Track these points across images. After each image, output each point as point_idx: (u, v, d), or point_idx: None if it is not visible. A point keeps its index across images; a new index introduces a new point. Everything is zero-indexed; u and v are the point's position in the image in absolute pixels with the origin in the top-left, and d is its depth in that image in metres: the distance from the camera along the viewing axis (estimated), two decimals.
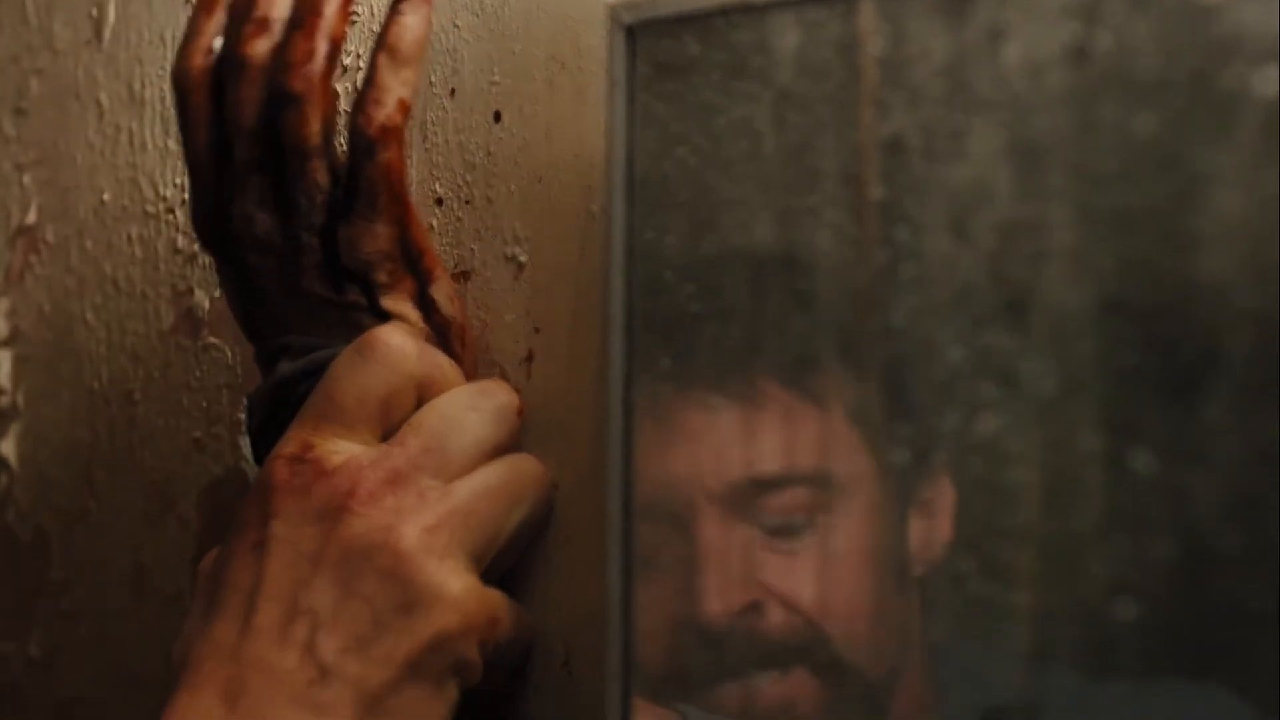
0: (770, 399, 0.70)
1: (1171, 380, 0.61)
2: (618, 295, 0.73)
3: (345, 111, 0.83)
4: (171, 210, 1.00)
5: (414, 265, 0.79)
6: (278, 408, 0.79)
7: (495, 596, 0.74)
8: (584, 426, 0.77)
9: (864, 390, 0.69)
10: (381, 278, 0.79)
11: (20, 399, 1.09)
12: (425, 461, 0.74)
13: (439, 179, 0.83)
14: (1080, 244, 0.63)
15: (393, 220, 0.78)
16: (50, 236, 1.07)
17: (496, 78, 0.82)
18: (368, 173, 0.77)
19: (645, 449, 0.72)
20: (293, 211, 0.78)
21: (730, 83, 0.71)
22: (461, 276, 0.82)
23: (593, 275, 0.77)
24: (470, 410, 0.76)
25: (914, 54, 0.66)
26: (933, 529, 0.69)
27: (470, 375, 0.79)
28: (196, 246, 0.98)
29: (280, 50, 0.78)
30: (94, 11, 1.06)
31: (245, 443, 0.94)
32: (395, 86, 0.78)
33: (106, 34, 1.05)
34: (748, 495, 0.70)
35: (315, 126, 0.78)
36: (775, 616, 0.70)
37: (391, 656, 0.71)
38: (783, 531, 0.70)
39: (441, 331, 0.79)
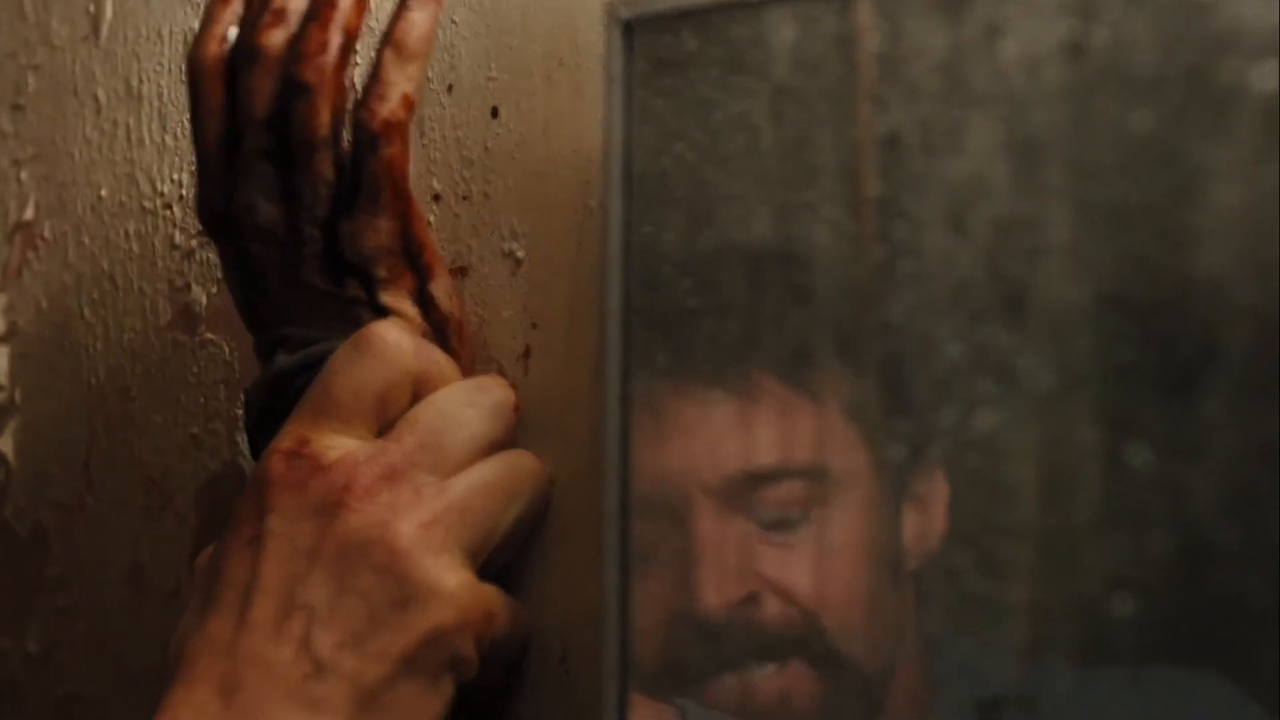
0: (767, 393, 0.70)
1: (1169, 376, 0.61)
2: (615, 291, 0.73)
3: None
4: (169, 206, 1.00)
5: (414, 261, 0.79)
6: (275, 400, 0.79)
7: (491, 592, 0.74)
8: (581, 422, 0.77)
9: (861, 386, 0.69)
10: (381, 273, 0.79)
11: (18, 395, 1.09)
12: (421, 458, 0.74)
13: (436, 175, 0.83)
14: (1078, 239, 0.63)
15: (395, 216, 0.78)
16: (47, 232, 1.07)
17: (494, 73, 0.82)
18: (370, 167, 0.78)
19: (642, 444, 0.72)
20: (297, 203, 0.78)
21: (727, 78, 0.71)
22: (459, 272, 0.82)
23: (590, 271, 0.77)
24: (467, 406, 0.76)
25: (911, 49, 0.66)
26: (927, 523, 0.69)
27: (468, 372, 0.79)
28: (194, 243, 0.98)
29: (295, 41, 0.78)
30: (91, 7, 1.05)
31: (243, 438, 0.94)
32: (400, 82, 0.78)
33: (104, 30, 1.05)
34: (744, 489, 0.70)
35: (325, 118, 0.78)
36: (772, 608, 0.70)
37: (387, 652, 0.71)
38: (778, 525, 0.70)
39: (439, 328, 0.79)
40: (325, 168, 0.78)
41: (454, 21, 0.83)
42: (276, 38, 0.79)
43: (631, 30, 0.73)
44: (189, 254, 0.99)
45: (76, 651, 1.04)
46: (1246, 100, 0.59)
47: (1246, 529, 0.60)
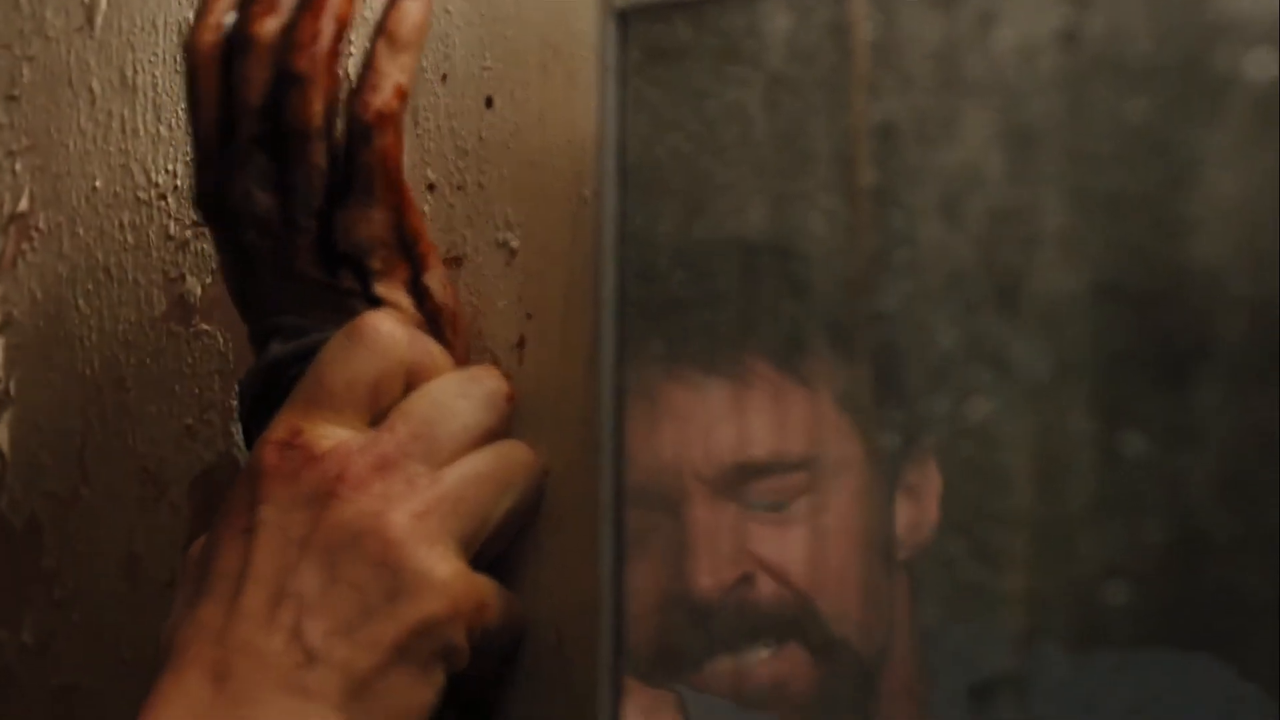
0: (761, 380, 0.70)
1: (1163, 364, 0.61)
2: (610, 280, 0.73)
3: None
4: (163, 197, 1.00)
5: (409, 252, 0.79)
6: (269, 389, 0.79)
7: (483, 582, 0.74)
8: (576, 412, 0.77)
9: (855, 374, 0.69)
10: (375, 264, 0.79)
11: (12, 386, 1.09)
12: (414, 448, 0.74)
13: (431, 164, 0.83)
14: (1072, 228, 0.63)
15: (389, 207, 0.78)
16: (42, 224, 1.07)
17: (488, 63, 0.81)
18: (364, 158, 0.78)
19: (637, 433, 0.72)
20: (291, 192, 0.78)
21: (722, 67, 0.71)
22: (453, 262, 0.82)
23: (585, 261, 0.77)
24: (460, 397, 0.76)
25: (905, 38, 0.66)
26: (920, 513, 0.69)
27: (462, 363, 0.79)
28: (189, 233, 0.98)
29: (288, 30, 0.78)
30: None
31: (237, 429, 0.94)
32: (393, 72, 0.78)
33: (98, 20, 1.04)
34: (737, 478, 0.70)
35: (318, 107, 0.78)
36: (765, 589, 0.70)
37: (378, 641, 0.71)
38: (774, 506, 0.70)
39: (434, 318, 0.79)
40: (319, 157, 0.78)
41: (448, 11, 0.83)
42: (269, 26, 0.79)
43: (626, 19, 0.73)
44: (184, 245, 0.99)
45: (72, 642, 1.04)
46: (1241, 88, 0.59)
47: (1241, 517, 0.60)
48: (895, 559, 0.70)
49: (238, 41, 0.79)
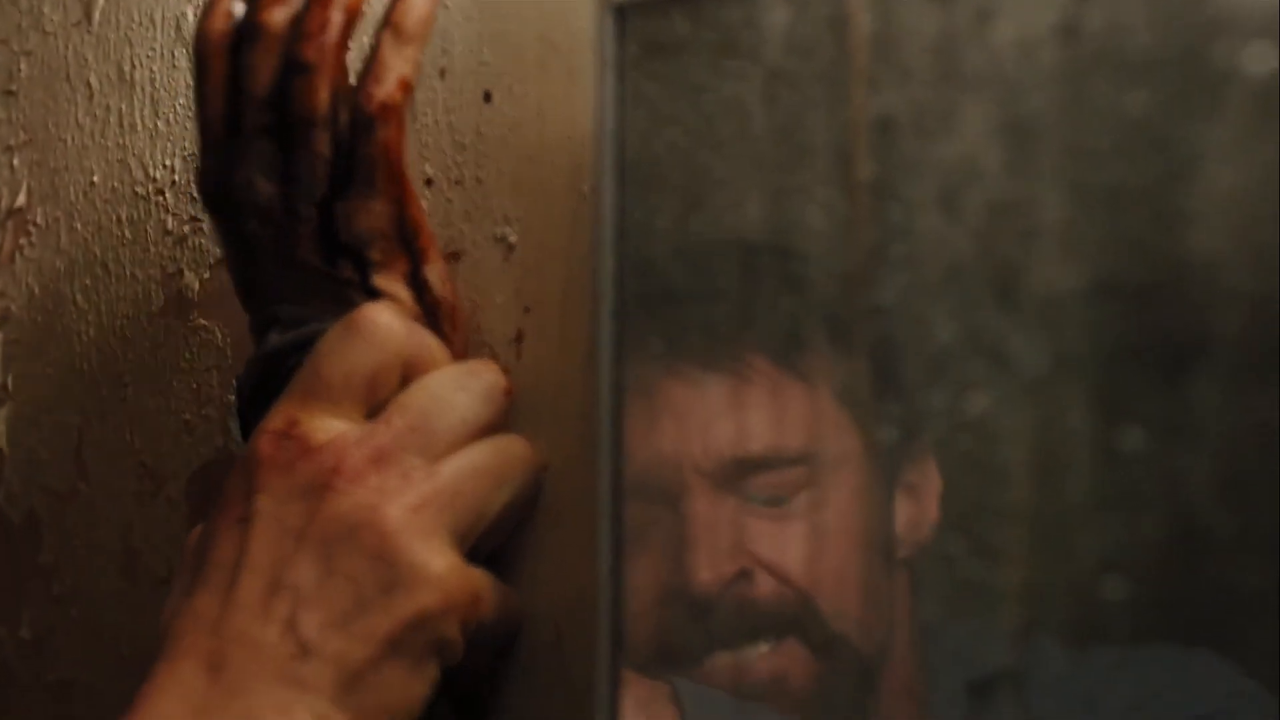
0: (760, 374, 0.70)
1: (1162, 359, 0.61)
2: (608, 275, 0.73)
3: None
4: (161, 192, 1.00)
5: (409, 244, 0.79)
6: (266, 379, 0.79)
7: (479, 576, 0.74)
8: (574, 407, 0.77)
9: (853, 369, 0.69)
10: (375, 255, 0.79)
11: (10, 381, 1.09)
12: (411, 441, 0.74)
13: (429, 159, 0.83)
14: (1071, 223, 0.63)
15: (390, 199, 0.78)
16: (40, 219, 1.07)
17: (487, 58, 0.81)
18: (366, 150, 0.78)
19: (636, 427, 0.72)
20: (294, 181, 0.78)
21: (720, 62, 0.71)
22: (451, 257, 0.82)
23: (583, 255, 0.77)
24: (458, 390, 0.76)
25: (904, 32, 0.66)
26: (919, 511, 0.69)
27: (460, 357, 0.79)
28: (187, 228, 0.98)
29: (297, 20, 0.79)
30: None
31: (235, 425, 0.94)
32: (397, 64, 0.78)
33: (96, 15, 1.04)
34: (736, 472, 0.70)
35: (324, 96, 0.78)
36: (764, 585, 0.70)
37: (372, 634, 0.71)
38: (773, 501, 0.70)
39: (432, 312, 0.79)
40: (323, 147, 0.78)
41: (446, 5, 0.83)
42: (279, 15, 0.79)
43: (624, 14, 0.73)
44: (181, 239, 0.99)
45: (70, 637, 1.04)
46: (1239, 82, 0.59)
47: (1239, 512, 0.60)
48: (895, 556, 0.70)
49: (247, 30, 0.80)
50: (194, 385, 0.98)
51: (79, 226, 1.05)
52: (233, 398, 0.94)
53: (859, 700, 0.70)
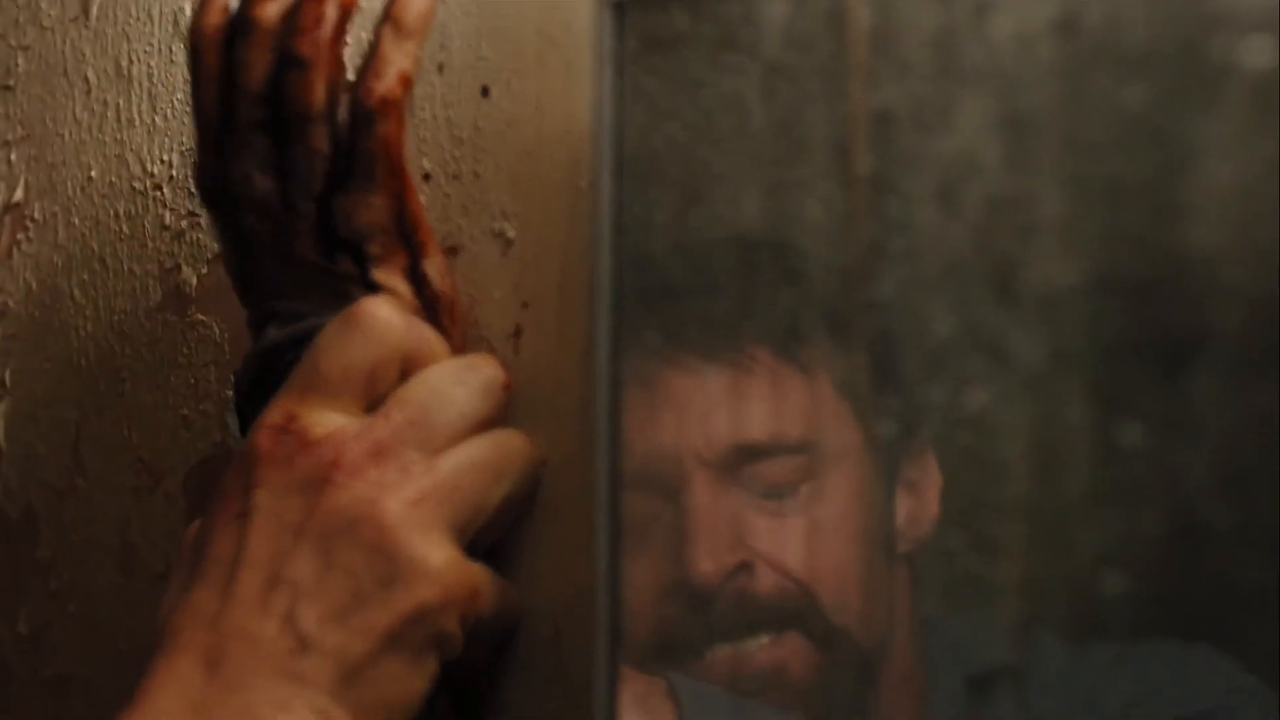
0: (759, 364, 0.70)
1: (1161, 354, 0.61)
2: (606, 270, 0.73)
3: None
4: (159, 187, 1.00)
5: (408, 239, 0.79)
6: (264, 373, 0.79)
7: (477, 570, 0.74)
8: (572, 401, 0.77)
9: (853, 363, 0.69)
10: (374, 249, 0.79)
11: (7, 377, 1.09)
12: (410, 435, 0.74)
13: (427, 154, 0.83)
14: (1070, 217, 0.63)
15: (389, 193, 0.78)
16: (37, 214, 1.07)
17: (485, 53, 0.81)
18: (366, 144, 0.78)
19: (635, 419, 0.72)
20: (292, 177, 0.78)
21: (718, 56, 0.71)
22: (449, 252, 0.82)
23: (581, 250, 0.77)
24: (457, 384, 0.76)
25: (902, 26, 0.66)
26: (919, 507, 0.69)
27: (459, 351, 0.79)
28: (184, 223, 0.98)
29: (291, 15, 0.78)
30: None
31: (233, 420, 0.94)
32: (397, 59, 0.78)
33: (94, 10, 1.04)
34: (738, 461, 0.70)
35: (319, 92, 0.78)
36: (765, 578, 0.70)
37: (371, 628, 0.70)
38: (772, 495, 0.70)
39: (431, 306, 0.79)
40: (320, 142, 0.78)
41: (445, 0, 0.83)
42: (271, 10, 0.79)
43: (622, 9, 0.73)
44: (179, 235, 0.99)
45: (67, 632, 1.04)
46: (1237, 76, 0.59)
47: (1239, 507, 0.60)
48: (895, 551, 0.70)
49: (239, 24, 0.80)
50: (192, 380, 0.98)
51: (76, 221, 1.05)
52: (230, 393, 0.94)
53: (859, 694, 0.70)
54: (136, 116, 1.01)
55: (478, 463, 0.75)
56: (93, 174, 1.04)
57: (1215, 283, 0.60)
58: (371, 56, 0.78)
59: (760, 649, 0.70)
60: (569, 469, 0.77)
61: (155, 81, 1.00)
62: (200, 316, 0.98)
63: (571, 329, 0.77)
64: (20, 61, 1.09)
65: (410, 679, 0.72)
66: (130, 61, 1.02)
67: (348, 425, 0.74)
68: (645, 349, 0.72)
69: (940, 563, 0.67)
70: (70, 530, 1.04)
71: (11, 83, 1.10)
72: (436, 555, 0.71)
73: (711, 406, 0.71)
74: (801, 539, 0.70)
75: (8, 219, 1.09)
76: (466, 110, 0.82)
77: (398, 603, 0.71)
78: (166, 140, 0.99)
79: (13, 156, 1.09)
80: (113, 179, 1.02)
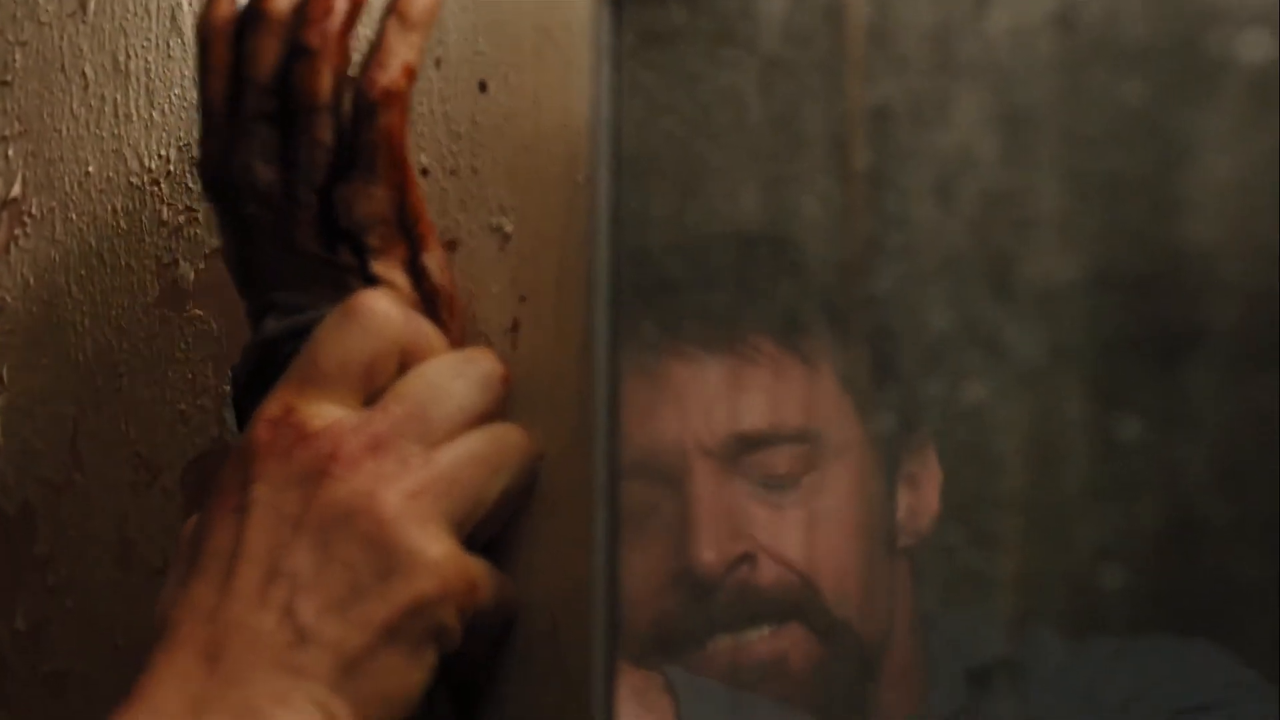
0: (760, 355, 0.71)
1: (1159, 349, 0.61)
2: (604, 264, 0.73)
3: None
4: (156, 182, 1.00)
5: (408, 231, 0.79)
6: (263, 366, 0.79)
7: (475, 564, 0.74)
8: (570, 396, 0.77)
9: (851, 357, 0.69)
10: (374, 241, 0.79)
11: (5, 372, 1.08)
12: (408, 428, 0.74)
13: (424, 149, 0.83)
14: (1067, 212, 0.63)
15: (391, 185, 0.79)
16: (34, 209, 1.07)
17: (482, 47, 0.81)
18: (368, 135, 0.78)
19: (637, 408, 0.72)
20: (294, 166, 0.79)
21: (716, 51, 0.71)
22: (447, 246, 0.82)
23: (579, 245, 0.77)
24: (455, 377, 0.76)
25: (900, 21, 0.66)
26: (920, 502, 0.69)
27: (457, 345, 0.79)
28: (182, 218, 0.98)
29: (301, 7, 0.79)
30: None
31: (230, 415, 0.94)
32: (402, 51, 0.78)
33: (91, 6, 1.04)
34: (739, 451, 0.71)
35: (326, 81, 0.78)
36: (768, 569, 0.70)
37: (370, 620, 0.70)
38: (775, 487, 0.71)
39: (430, 299, 0.79)
40: (324, 132, 0.78)
41: None
42: (282, 2, 0.79)
43: (620, 3, 0.73)
44: (177, 230, 0.99)
45: (65, 628, 1.04)
46: (1236, 70, 0.59)
47: (1237, 502, 0.60)
48: (896, 545, 0.70)
49: (250, 15, 0.80)
50: (189, 375, 0.98)
51: (74, 217, 1.05)
52: (228, 388, 0.94)
53: (859, 686, 0.70)
54: (134, 111, 1.01)
55: (476, 456, 0.74)
56: (90, 169, 1.04)
57: (1213, 277, 0.60)
58: (376, 48, 0.78)
59: (761, 640, 0.70)
60: (566, 463, 0.77)
61: (153, 76, 1.00)
62: (198, 311, 0.98)
63: (569, 323, 0.77)
64: (18, 57, 1.09)
65: (409, 671, 0.72)
66: (128, 57, 1.02)
67: (346, 418, 0.74)
68: (643, 343, 0.72)
69: (939, 557, 0.67)
70: (68, 526, 1.04)
71: (9, 78, 1.10)
72: (434, 548, 0.71)
73: (715, 395, 0.71)
74: (804, 531, 0.70)
75: (5, 214, 1.09)
76: (464, 105, 0.82)
77: (396, 595, 0.71)
78: (164, 135, 0.99)
79: (10, 152, 1.09)
80: (110, 174, 1.02)
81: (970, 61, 0.64)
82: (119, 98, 1.02)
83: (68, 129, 1.05)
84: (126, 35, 1.02)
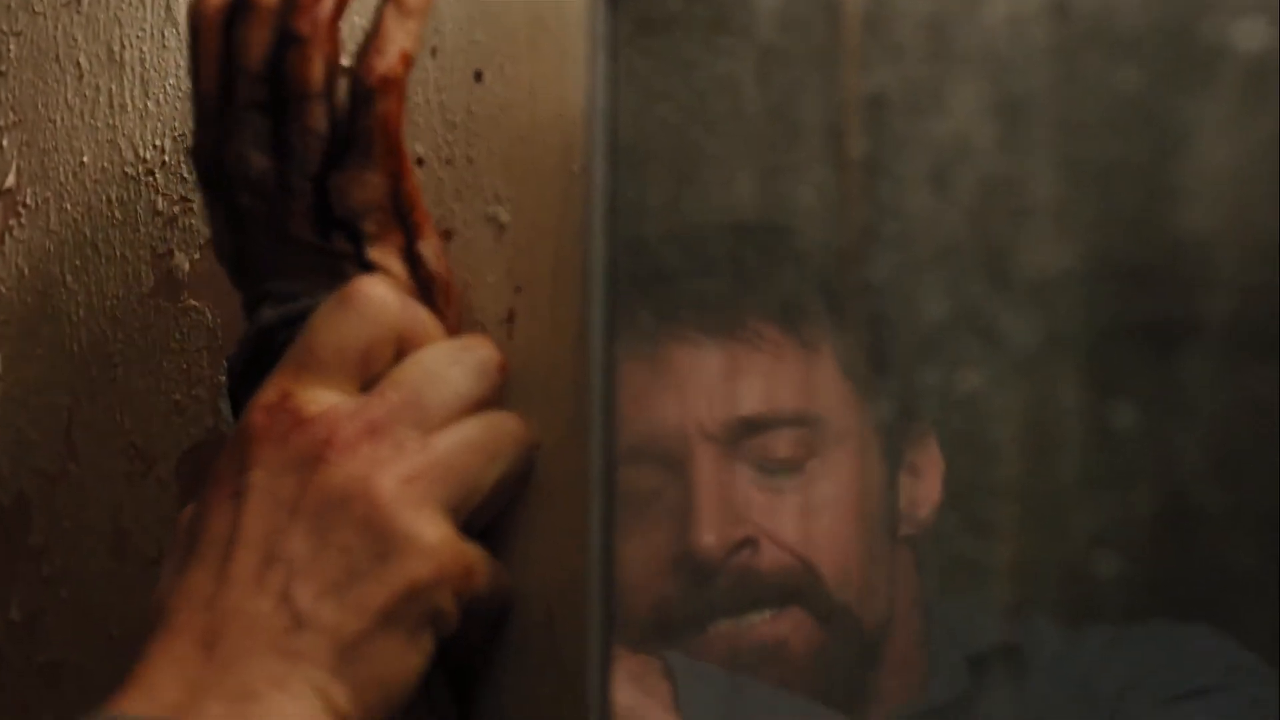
0: (765, 340, 0.71)
1: (1155, 337, 0.61)
2: (599, 254, 0.73)
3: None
4: (151, 172, 1.00)
5: (403, 219, 0.79)
6: (259, 354, 0.79)
7: (471, 549, 0.74)
8: (566, 385, 0.77)
9: (848, 345, 0.69)
10: (370, 228, 0.79)
11: None
12: (404, 414, 0.74)
13: (419, 138, 0.83)
14: (1063, 200, 0.63)
15: (386, 172, 0.79)
16: (29, 199, 1.07)
17: (478, 37, 0.81)
18: (364, 122, 0.78)
19: (638, 393, 0.72)
20: (288, 155, 0.78)
21: (712, 39, 0.71)
22: (443, 236, 0.81)
23: (575, 234, 0.76)
24: (452, 364, 0.76)
25: (896, 9, 0.66)
26: (922, 491, 0.69)
27: (453, 333, 0.79)
28: (177, 209, 0.98)
29: None
30: None
31: (225, 405, 0.94)
32: (399, 37, 0.78)
33: None
34: (741, 434, 0.71)
35: (318, 69, 0.78)
36: (769, 554, 0.70)
37: (367, 605, 0.70)
38: (778, 472, 0.71)
39: (426, 286, 0.79)
40: (317, 120, 0.78)
41: None
42: None
43: None
44: (171, 220, 0.99)
45: (60, 619, 1.04)
46: (1232, 59, 0.59)
47: (1232, 489, 0.60)
48: (898, 532, 0.70)
49: (240, 3, 0.80)
50: (184, 366, 0.98)
51: (69, 207, 1.04)
52: (223, 378, 0.94)
53: (860, 671, 0.70)
54: (129, 101, 1.01)
55: (472, 443, 0.74)
56: (85, 159, 1.04)
57: (1209, 266, 0.60)
58: (373, 34, 0.78)
59: (762, 624, 0.70)
60: (562, 453, 0.77)
61: (147, 66, 1.00)
62: (193, 302, 0.98)
63: (565, 313, 0.77)
64: (12, 47, 1.09)
65: (406, 656, 0.72)
66: (122, 46, 1.02)
67: (342, 404, 0.74)
68: (640, 332, 0.73)
69: (937, 545, 0.67)
70: (62, 516, 1.04)
71: (3, 68, 1.09)
72: (430, 532, 0.71)
73: (717, 379, 0.72)
74: (805, 516, 0.70)
75: (0, 205, 1.09)
76: (459, 95, 0.82)
77: (393, 579, 0.71)
78: (159, 125, 0.99)
79: (4, 142, 1.09)
80: (105, 164, 1.02)
81: (966, 50, 0.64)
82: (114, 88, 1.02)
83: (62, 119, 1.05)
84: (121, 25, 1.02)
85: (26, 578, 1.06)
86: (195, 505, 0.75)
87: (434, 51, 0.82)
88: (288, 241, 0.79)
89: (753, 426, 0.71)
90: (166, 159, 0.99)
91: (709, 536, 0.70)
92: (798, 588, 0.70)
